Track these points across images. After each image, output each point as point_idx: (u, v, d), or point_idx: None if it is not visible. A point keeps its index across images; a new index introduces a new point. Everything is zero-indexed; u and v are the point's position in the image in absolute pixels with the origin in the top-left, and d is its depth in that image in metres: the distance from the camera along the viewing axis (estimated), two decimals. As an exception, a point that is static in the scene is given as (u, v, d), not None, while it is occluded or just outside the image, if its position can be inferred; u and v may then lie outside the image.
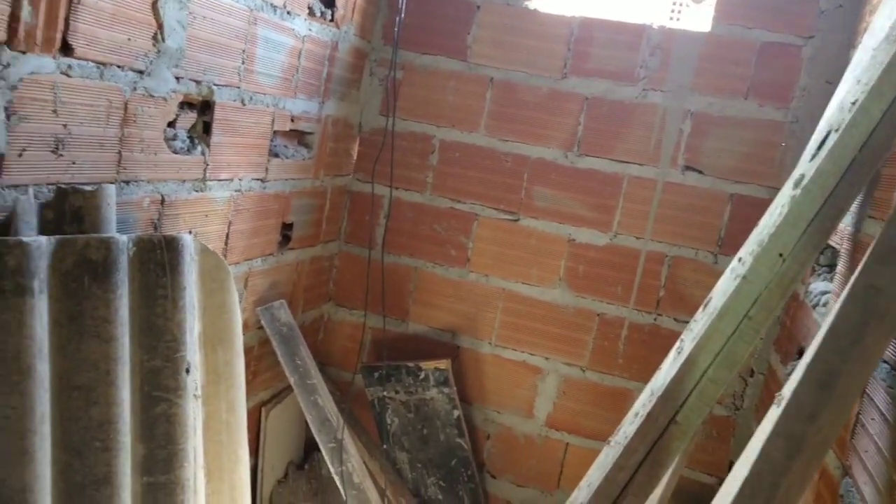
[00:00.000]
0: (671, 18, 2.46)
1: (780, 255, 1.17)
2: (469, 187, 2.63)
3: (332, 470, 2.27)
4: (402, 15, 2.59)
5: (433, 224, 2.68)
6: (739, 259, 1.29)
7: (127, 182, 1.60)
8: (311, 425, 2.30)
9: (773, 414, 1.22)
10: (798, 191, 1.15)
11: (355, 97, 2.66)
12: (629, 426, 1.31)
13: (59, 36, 1.32)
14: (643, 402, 1.35)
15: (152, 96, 1.61)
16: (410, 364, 2.55)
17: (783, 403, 1.13)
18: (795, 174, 1.21)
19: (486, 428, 2.68)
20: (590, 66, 2.48)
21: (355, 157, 2.76)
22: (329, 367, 2.82)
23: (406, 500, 2.54)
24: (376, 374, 2.60)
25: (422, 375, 2.54)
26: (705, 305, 1.37)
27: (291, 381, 2.31)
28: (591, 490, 1.31)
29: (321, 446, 2.29)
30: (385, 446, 2.63)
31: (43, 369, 1.24)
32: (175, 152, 1.75)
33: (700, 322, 1.31)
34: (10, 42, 1.23)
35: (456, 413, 2.54)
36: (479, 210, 2.63)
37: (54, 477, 1.28)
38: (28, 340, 1.20)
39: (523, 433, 2.63)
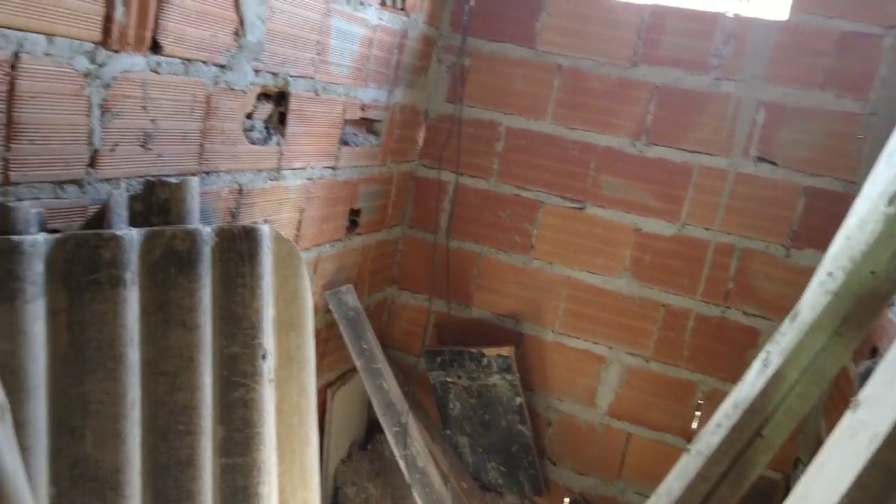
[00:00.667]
0: (744, 4, 2.40)
1: (873, 272, 1.16)
2: (535, 175, 2.63)
3: (396, 453, 2.32)
4: (472, 2, 2.59)
5: (498, 210, 2.69)
6: (829, 273, 1.27)
7: (208, 173, 1.65)
8: (376, 409, 2.34)
9: (851, 421, 1.20)
10: (892, 209, 1.13)
11: (422, 84, 2.68)
12: (711, 436, 1.31)
13: (149, 35, 1.36)
14: (726, 414, 1.35)
15: (233, 90, 1.65)
16: (473, 350, 2.58)
17: (858, 409, 1.12)
18: (888, 190, 1.19)
19: (547, 415, 2.70)
20: (660, 54, 2.45)
21: (421, 144, 2.77)
22: (391, 350, 2.87)
23: (468, 485, 2.58)
24: (439, 359, 2.64)
25: (484, 361, 2.56)
26: (793, 318, 1.35)
27: (357, 364, 2.36)
28: (672, 498, 1.31)
29: (386, 430, 2.33)
30: (448, 431, 2.67)
31: (133, 356, 1.30)
32: (252, 143, 1.79)
33: (788, 335, 1.30)
34: (105, 42, 1.28)
35: (518, 400, 2.56)
36: (544, 197, 2.63)
37: (142, 458, 1.34)
38: (121, 329, 1.25)
39: (585, 421, 2.64)
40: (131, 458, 1.28)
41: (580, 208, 2.59)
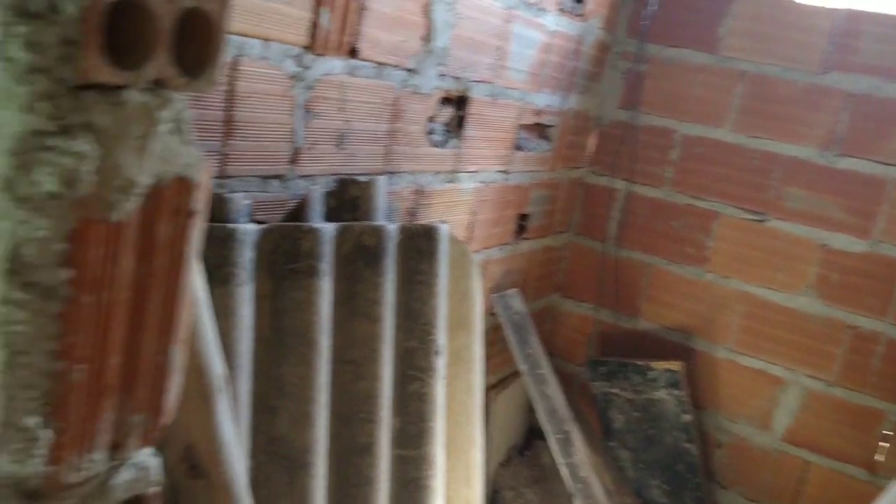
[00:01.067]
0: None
1: None
2: (711, 184, 2.54)
3: (558, 461, 2.30)
4: (651, 8, 2.54)
5: (670, 220, 2.62)
6: None
7: (392, 173, 1.71)
8: (539, 415, 2.34)
9: None
10: None
11: (596, 90, 2.65)
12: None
13: (348, 40, 1.44)
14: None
15: (418, 93, 1.71)
16: (640, 362, 2.51)
17: None
18: None
19: (717, 435, 2.58)
20: (855, 60, 2.29)
21: (592, 150, 2.75)
22: (553, 357, 2.85)
23: (631, 500, 2.52)
24: (603, 370, 2.59)
25: (651, 375, 2.49)
26: None
27: (522, 369, 2.37)
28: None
29: (548, 436, 2.32)
30: (612, 443, 2.62)
31: (324, 344, 1.36)
32: (433, 145, 1.84)
33: None
34: (310, 47, 1.36)
35: (685, 417, 2.47)
36: (720, 208, 2.53)
37: (327, 441, 1.41)
38: (315, 317, 1.32)
39: (758, 445, 2.51)
40: (319, 440, 1.35)
41: (760, 221, 2.46)
